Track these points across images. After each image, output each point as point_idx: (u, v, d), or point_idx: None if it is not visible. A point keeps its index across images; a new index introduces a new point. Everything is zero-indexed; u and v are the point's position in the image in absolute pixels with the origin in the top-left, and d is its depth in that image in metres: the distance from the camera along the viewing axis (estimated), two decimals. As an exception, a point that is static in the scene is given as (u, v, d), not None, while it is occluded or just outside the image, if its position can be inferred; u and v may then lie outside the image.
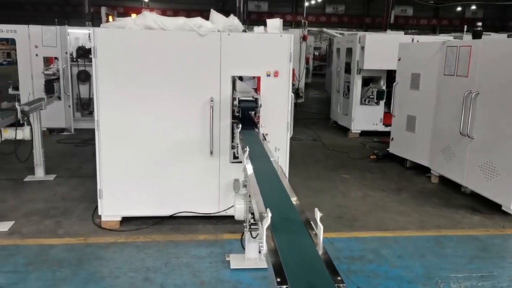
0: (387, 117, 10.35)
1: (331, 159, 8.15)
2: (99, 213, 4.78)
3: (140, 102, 4.56)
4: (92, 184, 6.23)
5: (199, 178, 4.78)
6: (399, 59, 7.62)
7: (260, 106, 4.41)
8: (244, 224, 2.96)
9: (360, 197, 6.11)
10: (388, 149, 8.42)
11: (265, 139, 4.03)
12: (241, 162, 4.87)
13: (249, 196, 2.78)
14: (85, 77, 9.91)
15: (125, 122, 4.58)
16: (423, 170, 7.14)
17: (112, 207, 4.75)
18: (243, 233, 4.31)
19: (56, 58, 9.57)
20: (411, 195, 6.21)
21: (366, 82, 10.12)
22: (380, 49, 9.36)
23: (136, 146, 4.64)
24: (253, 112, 4.59)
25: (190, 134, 4.67)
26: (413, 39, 9.36)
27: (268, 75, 4.63)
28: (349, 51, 10.29)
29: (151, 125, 4.62)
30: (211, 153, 4.68)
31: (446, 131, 6.42)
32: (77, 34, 10.53)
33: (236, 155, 4.51)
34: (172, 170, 4.73)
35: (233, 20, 4.67)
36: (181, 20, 4.53)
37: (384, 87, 10.03)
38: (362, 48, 9.56)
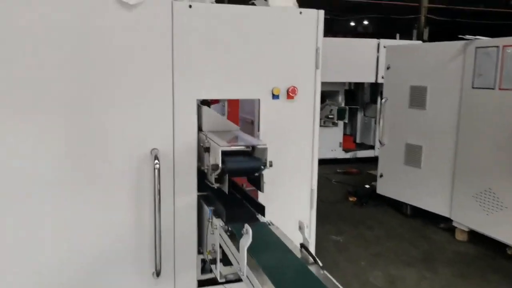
0: (347, 141, 8.49)
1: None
2: None
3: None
4: None
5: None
6: (387, 68, 5.62)
7: (270, 165, 1.96)
8: None
9: (386, 282, 3.87)
10: (366, 186, 6.46)
11: (317, 262, 1.62)
12: (220, 283, 2.42)
13: None
14: None
15: None
16: (431, 218, 5.18)
17: None
18: None
19: None
20: (452, 270, 4.09)
21: (321, 98, 8.06)
22: (340, 57, 7.40)
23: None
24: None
25: (107, 235, 2.05)
26: (379, 44, 7.61)
27: (276, 96, 2.21)
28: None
29: (8, 219, 1.94)
30: (157, 274, 2.10)
31: (483, 168, 4.49)
32: None
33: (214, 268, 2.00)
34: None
35: (193, -21, 2.18)
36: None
37: (343, 104, 8.09)
38: (317, 55, 7.47)
